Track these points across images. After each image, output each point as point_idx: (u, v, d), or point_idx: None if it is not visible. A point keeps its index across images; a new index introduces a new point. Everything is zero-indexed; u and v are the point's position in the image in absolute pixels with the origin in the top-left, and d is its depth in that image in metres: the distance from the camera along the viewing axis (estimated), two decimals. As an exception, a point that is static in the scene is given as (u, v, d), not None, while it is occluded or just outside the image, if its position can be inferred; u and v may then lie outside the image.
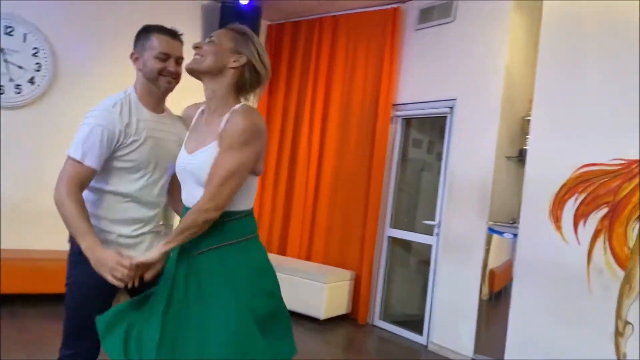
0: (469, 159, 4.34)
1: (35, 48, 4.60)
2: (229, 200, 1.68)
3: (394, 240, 5.12)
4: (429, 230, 4.68)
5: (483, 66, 4.31)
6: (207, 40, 1.80)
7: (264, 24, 5.88)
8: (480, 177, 4.22)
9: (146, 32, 2.05)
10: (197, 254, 1.73)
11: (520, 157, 4.21)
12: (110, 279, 1.71)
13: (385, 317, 5.06)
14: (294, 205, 5.69)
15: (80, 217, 1.83)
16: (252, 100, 1.82)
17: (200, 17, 5.55)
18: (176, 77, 2.05)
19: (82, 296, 1.98)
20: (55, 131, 4.73)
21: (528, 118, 4.17)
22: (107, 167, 1.96)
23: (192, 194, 1.75)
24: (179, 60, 2.06)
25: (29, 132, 4.64)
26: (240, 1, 5.31)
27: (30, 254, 4.45)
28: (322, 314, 4.76)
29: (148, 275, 1.73)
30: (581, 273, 3.16)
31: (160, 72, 2.01)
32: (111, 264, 1.70)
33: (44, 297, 4.29)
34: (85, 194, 1.94)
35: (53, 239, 4.59)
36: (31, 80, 4.59)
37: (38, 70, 4.62)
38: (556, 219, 3.33)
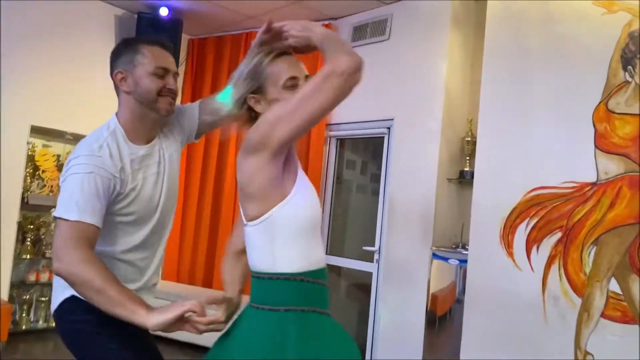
0: (410, 181, 4.17)
1: None
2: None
3: (330, 268, 4.84)
4: (368, 257, 4.45)
5: (421, 86, 4.17)
6: None
7: (184, 37, 5.48)
8: (421, 200, 4.05)
9: (130, 45, 1.72)
10: None
11: (461, 179, 4.10)
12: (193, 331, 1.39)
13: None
14: (221, 233, 5.29)
15: (113, 282, 1.43)
16: None
17: (114, 28, 5.06)
18: (175, 97, 1.70)
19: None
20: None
21: (468, 139, 4.09)
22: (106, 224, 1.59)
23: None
24: (175, 75, 1.72)
25: None
26: (160, 12, 4.88)
27: None
28: (256, 352, 4.37)
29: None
30: (536, 301, 3.03)
31: (160, 92, 1.66)
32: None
33: None
34: None
35: None
36: None
37: None
38: (507, 244, 3.20)
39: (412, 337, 3.94)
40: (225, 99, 1.51)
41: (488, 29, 3.47)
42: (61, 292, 1.68)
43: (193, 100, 5.44)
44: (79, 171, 1.54)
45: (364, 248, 4.52)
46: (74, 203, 1.50)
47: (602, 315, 2.80)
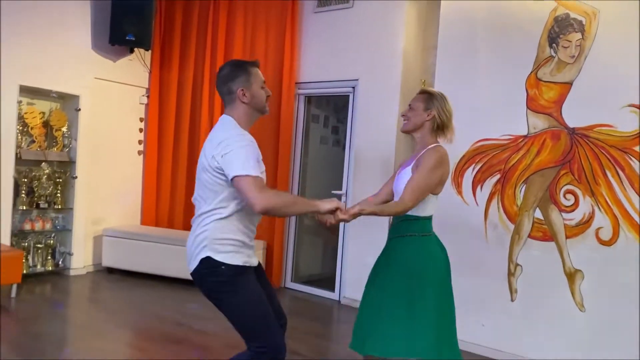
0: (373, 132, 4.87)
1: None
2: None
3: (301, 209, 5.53)
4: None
5: (382, 50, 4.81)
6: (409, 107, 2.51)
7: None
8: (383, 148, 4.77)
9: (241, 67, 2.25)
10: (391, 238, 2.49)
11: (416, 131, 4.83)
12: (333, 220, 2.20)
13: (297, 279, 5.52)
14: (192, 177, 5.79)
15: (293, 197, 2.27)
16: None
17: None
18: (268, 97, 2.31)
19: (256, 306, 2.19)
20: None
21: (421, 97, 4.79)
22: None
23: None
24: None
25: None
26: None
27: None
28: (241, 283, 5.05)
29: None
30: (480, 228, 3.87)
31: (266, 99, 2.28)
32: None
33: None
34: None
35: None
36: None
37: None
38: (458, 185, 3.99)
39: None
40: None
41: (443, 6, 4.12)
42: (197, 253, 2.18)
43: (167, 55, 5.87)
44: (242, 144, 2.09)
45: (332, 192, 5.23)
46: (250, 165, 2.04)
47: (529, 236, 3.68)
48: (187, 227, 5.85)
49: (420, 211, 2.42)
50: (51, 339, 3.70)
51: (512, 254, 3.75)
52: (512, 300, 3.72)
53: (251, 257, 2.26)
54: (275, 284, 5.39)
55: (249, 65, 2.28)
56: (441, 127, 2.51)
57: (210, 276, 2.16)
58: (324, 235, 5.81)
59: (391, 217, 2.63)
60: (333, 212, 2.16)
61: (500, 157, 3.81)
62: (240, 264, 2.17)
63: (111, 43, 5.37)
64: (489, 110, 3.87)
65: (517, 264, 3.72)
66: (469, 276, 3.88)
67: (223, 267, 2.13)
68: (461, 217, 3.95)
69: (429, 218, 2.49)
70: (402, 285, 2.36)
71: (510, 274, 3.74)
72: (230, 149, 2.07)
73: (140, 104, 6.02)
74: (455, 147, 3.97)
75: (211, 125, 5.75)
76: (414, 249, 2.41)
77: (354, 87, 5.05)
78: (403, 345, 2.31)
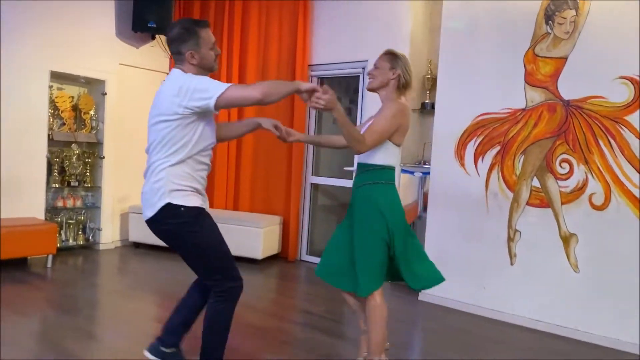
0: (381, 112, 5.10)
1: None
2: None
3: (315, 186, 5.83)
4: (349, 176, 5.44)
5: (390, 32, 5.04)
6: (374, 66, 2.68)
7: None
8: (392, 127, 5.00)
9: (189, 29, 2.34)
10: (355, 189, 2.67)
11: (422, 109, 5.07)
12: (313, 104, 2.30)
13: (312, 252, 5.81)
14: (217, 160, 6.12)
15: (278, 81, 2.39)
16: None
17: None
18: (219, 56, 2.48)
19: (217, 242, 2.39)
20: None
21: (428, 76, 5.03)
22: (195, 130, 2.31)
23: None
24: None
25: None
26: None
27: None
28: (260, 255, 5.38)
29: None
30: (481, 198, 4.11)
31: (215, 59, 2.42)
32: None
33: None
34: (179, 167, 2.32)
35: None
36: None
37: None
38: (460, 157, 4.23)
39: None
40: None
41: (446, -12, 4.33)
42: (157, 202, 2.30)
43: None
44: (199, 77, 2.25)
45: (344, 168, 5.50)
46: (219, 83, 2.19)
47: (527, 203, 3.91)
48: (210, 204, 6.20)
49: (383, 159, 2.59)
50: (86, 301, 4.06)
51: (511, 220, 3.98)
52: (511, 264, 3.96)
53: (205, 203, 2.42)
54: (291, 257, 5.70)
55: (198, 27, 2.35)
56: (405, 85, 2.67)
57: (172, 219, 2.29)
58: (337, 213, 6.08)
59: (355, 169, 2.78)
60: (311, 93, 2.29)
61: (500, 130, 4.03)
62: (198, 205, 2.34)
63: (134, 30, 5.68)
64: (489, 85, 4.08)
65: (516, 230, 3.96)
66: (471, 242, 4.13)
67: (182, 209, 2.28)
68: (463, 188, 4.19)
69: (392, 169, 2.65)
70: (370, 228, 2.56)
71: (510, 240, 3.98)
72: (193, 83, 2.21)
73: (162, 88, 6.33)
74: (458, 121, 4.24)
75: (229, 112, 6.05)
76: (380, 195, 2.59)
77: (363, 68, 5.29)
78: (371, 284, 2.56)
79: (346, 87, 6.17)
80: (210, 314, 2.42)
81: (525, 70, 3.92)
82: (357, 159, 2.66)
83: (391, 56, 2.69)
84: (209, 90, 2.18)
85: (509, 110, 3.99)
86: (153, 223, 2.36)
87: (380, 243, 2.55)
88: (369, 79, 2.73)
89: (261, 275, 5.14)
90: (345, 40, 5.37)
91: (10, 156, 4.92)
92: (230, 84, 2.22)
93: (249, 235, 5.38)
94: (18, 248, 4.59)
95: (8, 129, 4.88)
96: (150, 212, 2.33)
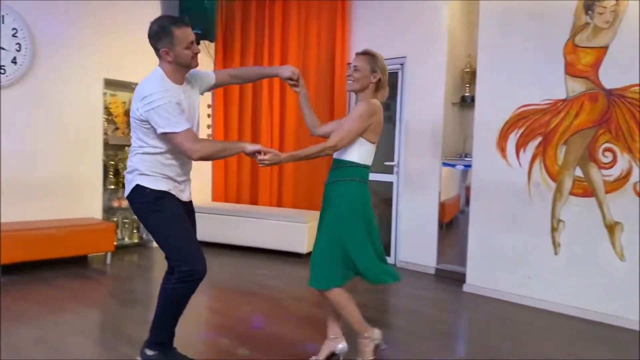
0: (421, 106, 5.19)
1: (14, 29, 4.76)
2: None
3: (356, 182, 5.94)
4: (389, 170, 5.54)
5: (428, 28, 5.11)
6: (354, 67, 2.65)
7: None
8: (432, 120, 5.09)
9: (164, 28, 2.40)
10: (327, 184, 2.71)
11: (462, 102, 5.13)
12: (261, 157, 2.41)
13: (355, 247, 5.93)
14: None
15: (222, 143, 2.53)
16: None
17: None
18: (197, 55, 2.52)
19: (177, 225, 2.52)
20: (39, 107, 5.00)
21: (467, 70, 5.08)
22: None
23: None
24: (196, 41, 2.53)
25: (16, 111, 4.85)
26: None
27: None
28: (304, 249, 5.54)
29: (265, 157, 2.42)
30: (523, 189, 4.15)
31: (192, 57, 2.47)
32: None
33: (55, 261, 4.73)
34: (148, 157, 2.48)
35: (43, 210, 4.98)
36: (14, 61, 4.77)
37: (19, 50, 4.80)
38: (502, 149, 4.27)
39: (427, 237, 5.09)
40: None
41: (483, -18, 4.38)
42: (130, 182, 2.52)
43: (230, 44, 6.38)
44: (162, 102, 2.31)
45: (385, 163, 5.60)
46: (174, 121, 2.30)
47: (570, 193, 3.93)
48: (254, 201, 6.41)
49: (357, 157, 2.63)
50: (144, 293, 4.31)
51: (554, 210, 4.01)
52: (555, 253, 3.99)
53: (177, 189, 2.56)
54: (335, 252, 5.83)
55: (174, 26, 2.40)
56: (382, 86, 2.71)
57: (139, 198, 2.50)
58: (379, 208, 6.19)
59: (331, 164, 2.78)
60: (255, 155, 2.42)
61: (541, 121, 4.06)
62: (164, 189, 2.49)
63: (180, 37, 5.91)
64: (529, 77, 4.12)
65: (560, 220, 3.98)
66: (514, 233, 4.18)
67: (148, 190, 2.47)
68: (506, 179, 4.24)
69: (366, 167, 2.68)
70: (335, 225, 2.64)
71: (554, 229, 4.00)
72: (151, 106, 2.32)
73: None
74: (499, 114, 4.29)
75: (271, 108, 6.26)
76: (347, 192, 2.63)
77: (402, 64, 5.38)
78: (331, 279, 2.66)
79: (385, 84, 6.26)
80: (164, 290, 2.57)
81: (566, 60, 3.93)
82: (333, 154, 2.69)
83: (370, 57, 2.68)
84: (158, 125, 2.35)
85: (550, 101, 4.02)
86: (129, 201, 2.57)
87: (341, 238, 2.61)
88: (349, 80, 2.70)
89: (306, 269, 5.25)
90: (383, 38, 5.46)
91: (70, 160, 5.23)
92: (185, 129, 2.34)
93: (293, 230, 5.55)
94: (79, 246, 4.89)
95: (67, 135, 5.20)
96: (126, 192, 2.56)
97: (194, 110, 2.60)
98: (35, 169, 5.00)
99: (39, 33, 4.96)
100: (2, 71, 4.70)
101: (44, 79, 5.00)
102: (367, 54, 2.69)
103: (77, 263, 5.02)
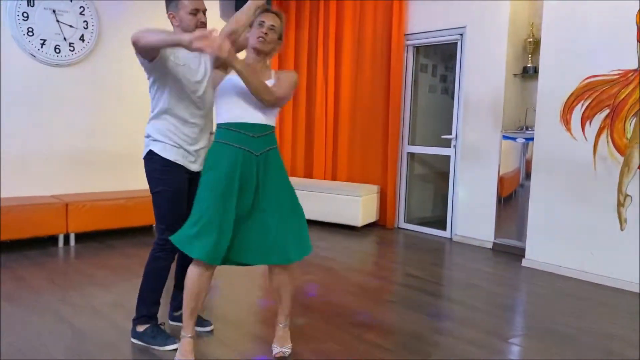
0: (481, 78, 5.08)
1: (81, 7, 4.93)
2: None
3: (411, 155, 5.92)
4: (446, 143, 5.48)
5: (489, -4, 4.97)
6: (270, 26, 2.36)
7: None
8: (492, 92, 4.98)
9: None
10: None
11: (524, 74, 4.98)
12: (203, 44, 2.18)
13: (409, 220, 5.95)
14: (316, 133, 6.37)
15: (160, 31, 2.34)
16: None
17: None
18: (205, 26, 2.54)
19: (171, 199, 2.58)
20: (106, 83, 5.19)
21: (530, 40, 4.91)
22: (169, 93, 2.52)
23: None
24: (205, 12, 2.58)
25: (83, 87, 5.06)
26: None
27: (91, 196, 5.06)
28: (359, 222, 5.59)
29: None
30: (588, 162, 4.03)
31: (196, 25, 2.51)
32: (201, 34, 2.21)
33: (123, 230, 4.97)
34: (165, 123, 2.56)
35: (110, 181, 5.21)
36: (81, 38, 4.96)
37: (86, 28, 4.98)
38: (566, 121, 4.15)
39: (485, 211, 5.03)
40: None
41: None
42: (146, 147, 2.62)
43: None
44: None
45: (442, 137, 5.54)
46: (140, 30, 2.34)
47: (639, 167, 3.79)
48: (308, 174, 6.50)
49: (274, 122, 2.51)
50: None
51: (621, 185, 3.88)
52: (621, 229, 3.88)
53: (186, 159, 2.59)
54: (389, 224, 5.87)
55: None
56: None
57: (149, 162, 2.60)
58: (435, 182, 6.15)
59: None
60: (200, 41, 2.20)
61: (610, 92, 3.91)
62: (171, 159, 2.55)
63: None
64: (597, 47, 3.95)
65: (627, 195, 3.85)
66: (577, 208, 4.08)
67: (156, 157, 2.56)
68: (569, 153, 4.12)
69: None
70: (291, 188, 2.75)
71: (620, 205, 3.88)
72: None
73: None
74: (563, 85, 4.15)
75: (326, 84, 6.26)
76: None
77: (461, 35, 5.25)
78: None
79: (442, 56, 6.15)
80: (148, 260, 2.66)
81: (637, 28, 3.75)
82: (252, 117, 2.38)
83: (281, 22, 2.44)
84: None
85: (620, 72, 3.85)
86: (144, 163, 2.65)
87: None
88: (260, 39, 2.37)
89: (361, 241, 5.35)
90: (442, 6, 5.34)
91: (135, 135, 5.44)
92: (142, 30, 2.35)
93: (348, 203, 5.60)
94: (146, 217, 5.07)
95: (131, 110, 5.38)
96: (144, 153, 2.65)
97: (203, 72, 2.60)
98: (105, 142, 5.23)
99: (104, 10, 5.12)
100: (71, 48, 4.90)
101: (110, 55, 5.18)
102: (279, 16, 2.44)
103: (142, 232, 5.26)
